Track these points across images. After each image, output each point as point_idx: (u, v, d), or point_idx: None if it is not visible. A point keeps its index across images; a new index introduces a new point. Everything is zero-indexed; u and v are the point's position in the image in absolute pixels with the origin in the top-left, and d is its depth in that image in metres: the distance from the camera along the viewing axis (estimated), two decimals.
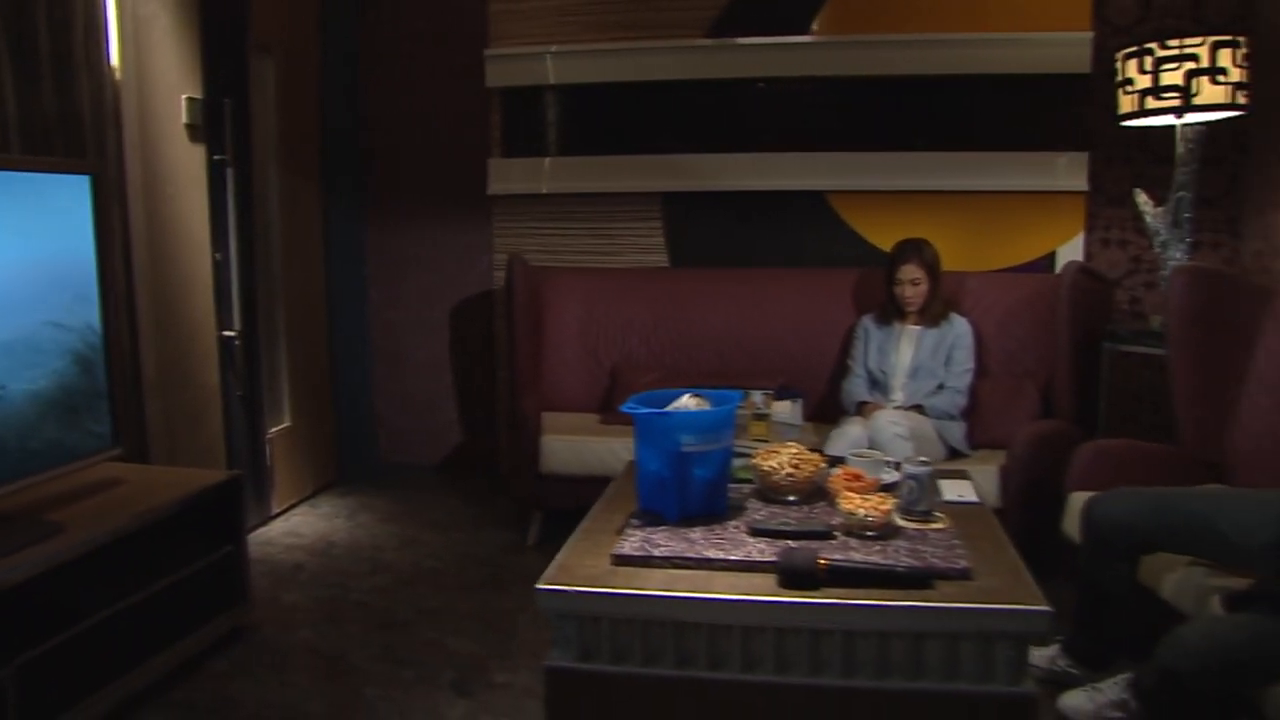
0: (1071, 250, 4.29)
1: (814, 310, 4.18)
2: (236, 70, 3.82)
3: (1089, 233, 4.31)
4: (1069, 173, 4.24)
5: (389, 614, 3.25)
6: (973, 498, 2.48)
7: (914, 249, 3.76)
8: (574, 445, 3.76)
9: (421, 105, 4.82)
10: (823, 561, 1.93)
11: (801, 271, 4.34)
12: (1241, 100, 3.36)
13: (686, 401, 2.32)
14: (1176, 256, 3.56)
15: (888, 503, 2.15)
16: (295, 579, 3.54)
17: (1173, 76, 3.36)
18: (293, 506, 4.37)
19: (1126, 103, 3.51)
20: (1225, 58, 3.31)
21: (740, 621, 1.92)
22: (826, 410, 3.96)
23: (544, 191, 4.66)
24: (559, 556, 2.14)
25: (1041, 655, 2.61)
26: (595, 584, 1.99)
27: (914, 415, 3.55)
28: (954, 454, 3.59)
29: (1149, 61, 3.40)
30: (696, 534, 2.18)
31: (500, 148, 4.71)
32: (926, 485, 2.22)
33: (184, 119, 3.55)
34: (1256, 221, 4.08)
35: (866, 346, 3.85)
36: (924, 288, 3.74)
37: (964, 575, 1.95)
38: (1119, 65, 3.55)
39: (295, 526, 4.13)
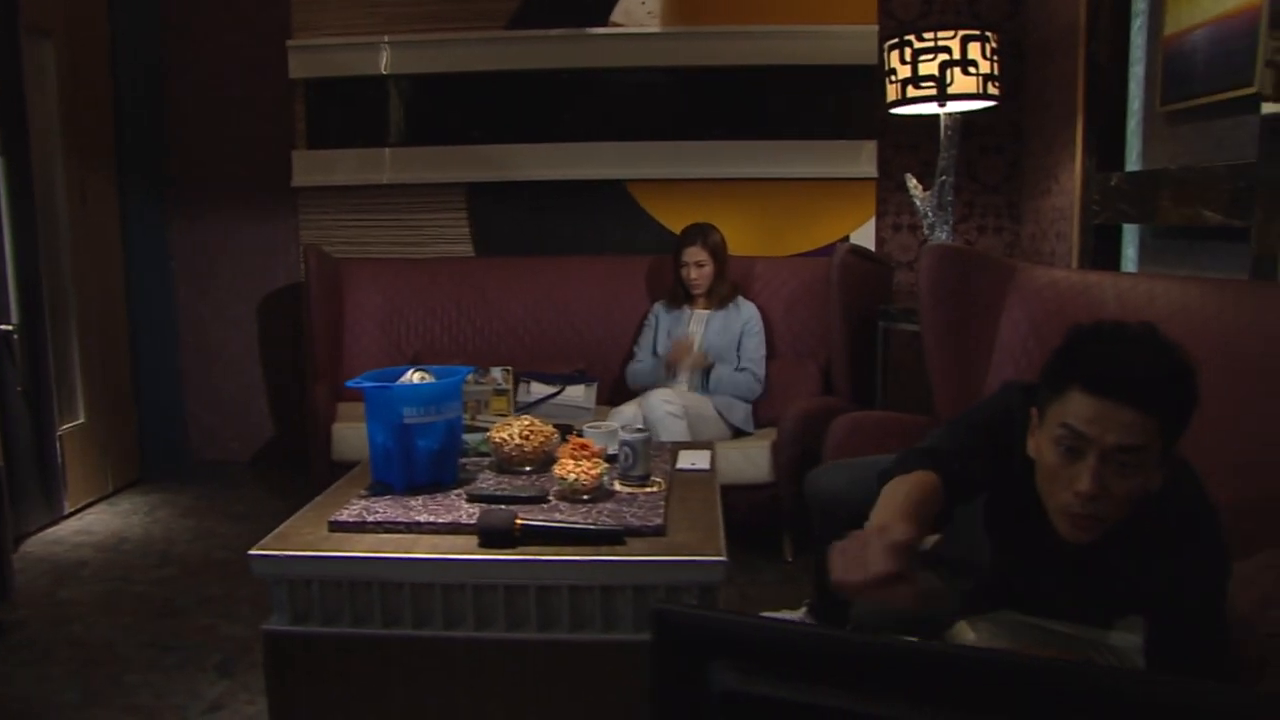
0: (864, 235, 4.56)
1: (612, 296, 4.37)
2: (6, 54, 3.82)
3: (880, 218, 4.59)
4: (859, 160, 4.51)
5: (168, 603, 3.32)
6: (704, 466, 2.67)
7: (698, 232, 3.97)
8: (363, 432, 3.85)
9: (226, 95, 4.86)
10: (519, 522, 2.09)
11: (601, 259, 4.53)
12: (993, 91, 3.65)
13: (411, 376, 2.46)
14: (942, 237, 3.83)
15: (599, 468, 2.32)
16: (76, 575, 3.58)
17: (929, 67, 3.62)
18: (90, 505, 4.38)
19: (892, 91, 3.77)
20: (975, 50, 3.59)
21: (440, 580, 2.07)
22: (621, 394, 4.14)
23: (349, 183, 4.76)
24: (281, 526, 2.26)
25: (792, 616, 2.82)
26: (306, 549, 2.12)
27: (691, 395, 3.76)
28: (739, 432, 3.81)
29: (908, 53, 3.66)
30: (417, 502, 2.32)
31: (305, 139, 4.79)
32: (641, 452, 2.40)
33: None
34: (1030, 206, 4.40)
35: (656, 332, 4.05)
36: (709, 270, 3.95)
37: (657, 532, 2.13)
38: (885, 56, 3.81)
39: (89, 524, 4.15)
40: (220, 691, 2.70)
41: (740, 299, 4.01)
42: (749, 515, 3.56)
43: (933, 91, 3.61)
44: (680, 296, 4.03)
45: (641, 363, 4.02)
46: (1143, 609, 1.63)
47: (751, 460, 3.60)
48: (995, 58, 3.63)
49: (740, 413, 3.81)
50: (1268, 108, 2.57)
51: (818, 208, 4.58)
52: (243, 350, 5.01)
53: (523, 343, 4.39)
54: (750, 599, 3.30)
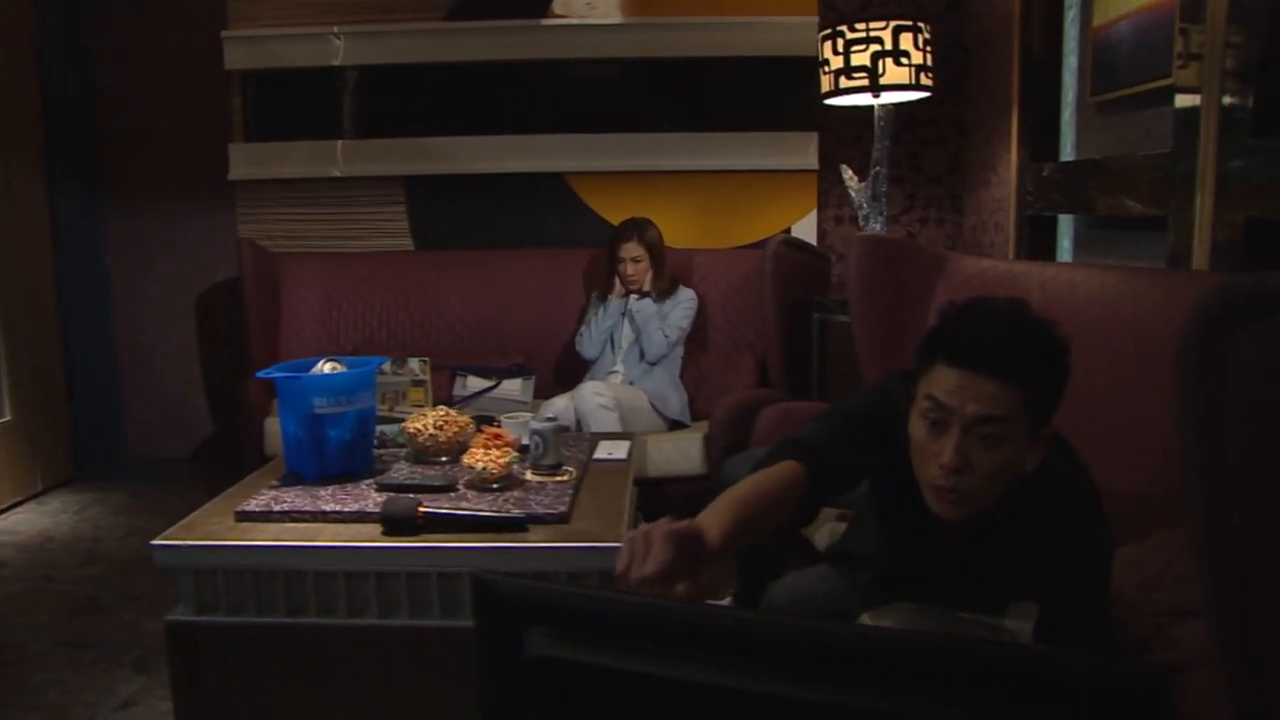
0: (805, 227, 4.61)
1: (551, 290, 4.41)
2: None
3: (821, 210, 4.64)
4: (800, 152, 4.56)
5: (92, 601, 3.33)
6: (621, 456, 2.71)
7: (634, 227, 4.01)
8: None
9: (160, 86, 4.84)
10: (422, 509, 2.12)
11: (539, 252, 4.57)
12: (925, 82, 3.70)
13: (322, 366, 2.49)
14: (876, 228, 3.88)
15: (508, 457, 2.36)
16: None
17: (861, 58, 3.67)
18: (17, 504, 4.37)
19: (825, 82, 3.82)
20: (907, 41, 3.64)
21: (343, 567, 2.10)
22: (562, 388, 4.18)
23: (287, 177, 4.77)
24: (188, 516, 2.29)
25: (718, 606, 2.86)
26: (210, 539, 2.15)
27: (624, 387, 3.80)
28: (675, 425, 3.86)
29: (841, 44, 3.71)
30: (327, 492, 2.35)
31: (242, 132, 4.80)
32: (551, 441, 2.44)
33: None
34: (972, 198, 4.46)
35: (599, 312, 4.08)
36: (645, 265, 3.99)
37: (560, 519, 2.17)
38: (819, 47, 3.86)
39: (14, 524, 4.14)
40: (135, 688, 2.72)
41: (681, 287, 4.06)
42: (683, 507, 3.57)
43: (865, 82, 3.66)
44: (616, 290, 4.06)
45: (586, 329, 4.07)
46: (1033, 594, 1.67)
47: (684, 452, 3.65)
48: (928, 48, 3.68)
49: (676, 405, 3.85)
50: (1181, 100, 2.63)
51: (759, 200, 4.62)
52: (182, 346, 5.00)
53: (461, 337, 4.42)
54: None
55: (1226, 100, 2.46)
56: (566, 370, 4.25)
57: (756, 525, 1.49)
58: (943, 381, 1.51)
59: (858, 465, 1.71)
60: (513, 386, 4.07)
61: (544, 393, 4.15)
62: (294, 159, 4.75)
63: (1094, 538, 1.60)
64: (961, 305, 1.59)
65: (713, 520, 1.41)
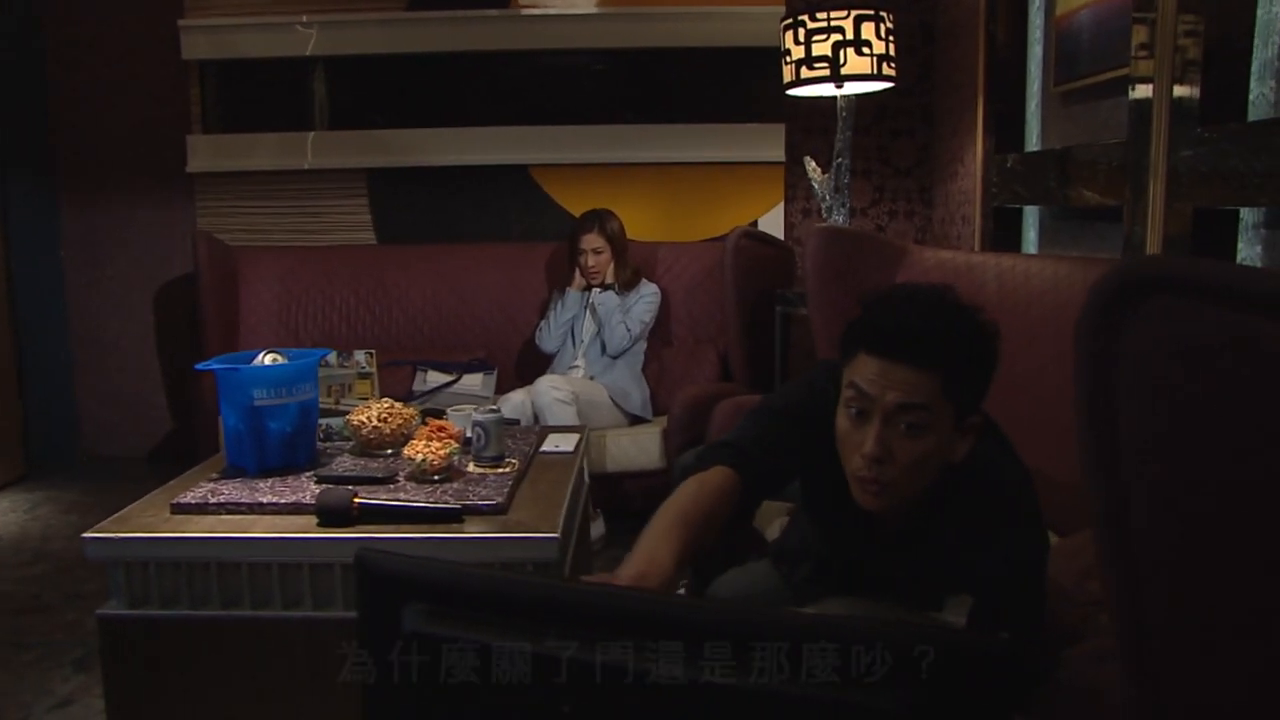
0: (773, 220, 4.64)
1: (513, 284, 4.44)
2: None
3: (789, 202, 4.68)
4: (767, 144, 4.59)
5: (36, 600, 3.33)
6: (568, 449, 2.74)
7: (595, 218, 4.03)
8: None
9: (116, 75, 4.84)
10: (357, 500, 2.14)
11: (503, 246, 4.60)
12: (888, 72, 3.73)
13: (263, 358, 2.50)
14: (839, 220, 3.91)
15: (448, 449, 2.37)
16: None
17: (822, 48, 3.69)
18: None
19: (787, 73, 3.84)
20: (869, 30, 3.66)
21: (277, 559, 2.12)
22: (522, 382, 4.19)
23: (246, 169, 4.78)
24: (124, 509, 2.30)
25: None
26: (143, 531, 2.16)
27: (583, 381, 3.83)
28: (637, 420, 3.88)
29: (802, 33, 3.74)
30: (266, 484, 2.36)
31: (200, 123, 4.80)
32: (493, 433, 2.46)
33: None
34: (940, 190, 4.50)
35: (560, 305, 4.11)
36: (606, 257, 4.01)
37: (497, 510, 2.19)
38: (780, 36, 3.89)
39: None
40: (73, 687, 2.73)
41: (644, 281, 4.08)
42: (643, 503, 3.63)
43: (826, 72, 3.68)
44: (579, 285, 4.09)
45: (546, 323, 4.11)
46: (968, 587, 1.69)
47: (643, 447, 3.67)
48: (890, 38, 3.70)
49: (637, 400, 3.87)
50: (1135, 91, 2.66)
51: (726, 192, 4.66)
52: (139, 341, 5.01)
53: (422, 331, 4.45)
54: None
55: (1177, 90, 2.49)
56: (529, 365, 4.27)
57: (700, 542, 1.51)
58: (864, 370, 1.51)
59: (788, 463, 1.72)
60: (473, 381, 4.09)
61: (505, 388, 4.16)
62: (256, 151, 4.77)
63: (1026, 530, 1.61)
64: (883, 293, 1.59)
65: (661, 552, 1.43)
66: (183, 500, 2.26)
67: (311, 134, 4.77)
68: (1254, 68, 2.42)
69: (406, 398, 4.00)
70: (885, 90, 3.90)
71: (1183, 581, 1.02)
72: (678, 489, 1.61)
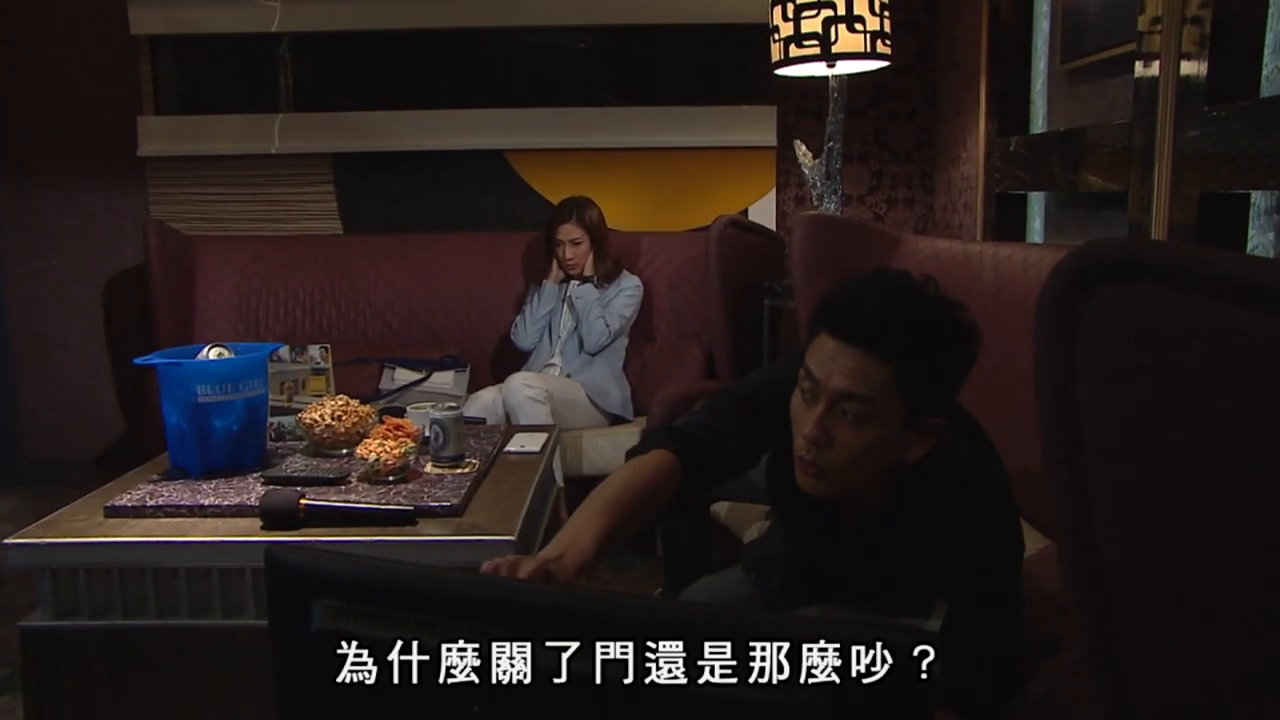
0: (763, 208, 4.65)
1: (488, 277, 4.44)
2: None
3: (781, 190, 4.68)
4: (758, 127, 4.59)
5: None
6: (533, 449, 2.74)
7: (573, 207, 4.04)
8: None
9: (59, 50, 4.80)
10: (304, 502, 2.14)
11: (477, 236, 4.59)
12: (882, 50, 3.72)
13: (208, 352, 2.50)
14: (830, 209, 3.91)
15: (403, 448, 2.38)
16: None
17: (812, 24, 3.69)
18: None
19: (775, 51, 3.84)
20: (861, 5, 3.66)
21: (217, 564, 2.12)
22: (496, 380, 4.19)
23: (202, 153, 4.77)
24: (54, 513, 2.30)
25: None
26: (72, 535, 2.16)
27: (557, 379, 3.83)
28: (616, 420, 3.89)
29: (790, 8, 3.73)
30: (210, 485, 2.37)
31: (152, 103, 4.80)
32: (452, 431, 2.46)
33: None
34: (942, 176, 4.50)
35: (537, 297, 4.12)
36: (585, 247, 4.01)
37: (452, 512, 2.20)
38: (769, 12, 3.88)
39: None
40: None
41: (625, 273, 4.08)
42: None
43: (816, 50, 3.68)
44: (555, 277, 4.09)
45: (522, 318, 4.11)
46: (933, 588, 1.69)
47: (621, 449, 3.61)
48: (885, 13, 3.70)
49: (616, 399, 3.87)
50: (1140, 69, 2.66)
51: (714, 179, 4.66)
52: (86, 337, 4.99)
53: (390, 327, 4.45)
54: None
55: (1185, 67, 2.48)
56: (503, 362, 4.27)
57: (628, 525, 1.52)
58: (819, 351, 1.51)
59: (739, 452, 1.72)
60: (444, 380, 4.09)
61: (478, 386, 4.16)
62: (216, 134, 4.77)
63: (989, 525, 1.60)
64: (859, 276, 1.58)
65: (583, 535, 1.44)
66: (118, 503, 2.26)
67: (279, 117, 4.76)
68: (1268, 40, 2.41)
69: (374, 397, 4.01)
70: (883, 69, 3.89)
71: (1150, 583, 1.02)
72: (621, 468, 1.63)
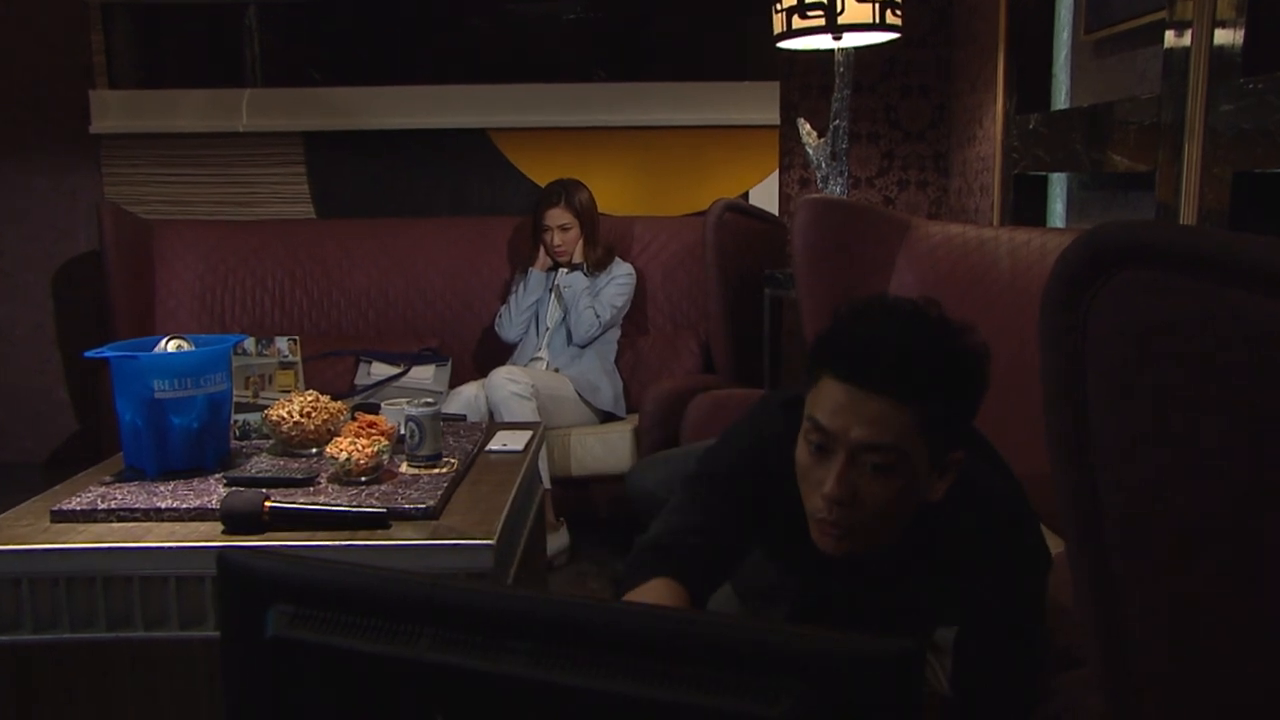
0: (765, 191, 4.65)
1: (471, 264, 4.44)
2: None
3: (784, 171, 4.68)
4: (759, 104, 4.59)
5: None
6: (516, 447, 2.74)
7: (562, 190, 4.03)
8: None
9: (2, 19, 4.76)
10: (268, 504, 2.14)
11: (459, 221, 4.60)
12: (892, 20, 3.71)
13: (166, 345, 2.50)
14: (836, 191, 3.91)
15: (376, 446, 2.37)
16: None
17: None
18: None
19: (777, 22, 3.83)
20: None
21: (174, 571, 2.11)
22: (479, 375, 4.19)
23: (161, 130, 4.76)
24: None
25: None
26: (13, 542, 2.15)
27: (544, 373, 3.83)
28: (608, 417, 3.89)
29: None
30: (168, 487, 2.35)
31: (105, 76, 4.78)
32: (429, 429, 2.46)
33: None
34: (957, 156, 4.50)
35: (523, 285, 4.13)
36: (574, 233, 4.01)
37: (428, 515, 2.19)
38: None
39: None
40: None
41: (617, 260, 4.09)
42: (610, 509, 3.64)
43: (821, 21, 3.67)
44: (543, 265, 4.09)
45: (507, 308, 4.12)
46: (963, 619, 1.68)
47: (612, 448, 3.68)
48: None
49: (607, 394, 3.88)
50: (1171, 39, 2.66)
51: (712, 160, 4.66)
52: (35, 329, 4.97)
53: (367, 318, 4.45)
54: None
55: (1219, 36, 2.48)
56: (487, 356, 4.27)
57: None
58: (827, 399, 1.45)
59: (738, 545, 1.66)
60: (424, 374, 4.09)
61: (460, 381, 4.17)
62: (177, 110, 4.75)
63: (1023, 555, 1.60)
64: (857, 306, 1.52)
65: None
66: (65, 506, 2.25)
67: (246, 92, 4.75)
68: None
69: (349, 392, 4.00)
70: (893, 42, 3.88)
71: (1167, 592, 1.02)
72: None
